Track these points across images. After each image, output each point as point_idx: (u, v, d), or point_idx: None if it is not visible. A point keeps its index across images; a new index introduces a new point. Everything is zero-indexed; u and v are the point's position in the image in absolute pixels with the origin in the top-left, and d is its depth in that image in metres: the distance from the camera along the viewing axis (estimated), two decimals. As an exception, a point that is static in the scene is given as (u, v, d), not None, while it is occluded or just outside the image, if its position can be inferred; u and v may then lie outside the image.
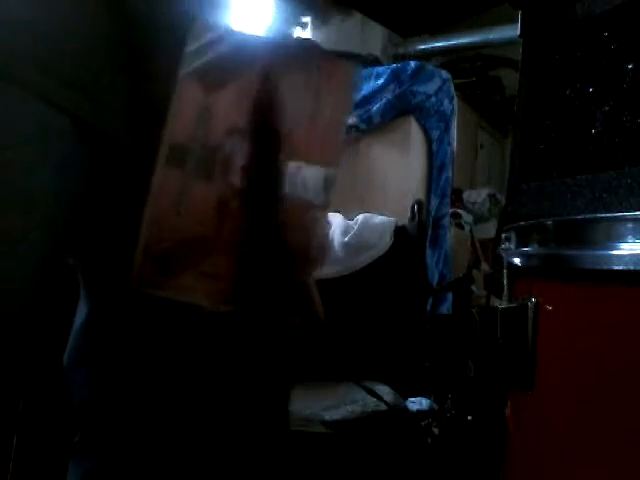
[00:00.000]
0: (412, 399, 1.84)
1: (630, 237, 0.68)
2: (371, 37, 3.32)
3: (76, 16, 0.62)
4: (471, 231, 3.24)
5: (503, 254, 0.85)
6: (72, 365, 0.79)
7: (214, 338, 0.77)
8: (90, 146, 0.65)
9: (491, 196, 3.79)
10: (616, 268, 0.68)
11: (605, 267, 0.70)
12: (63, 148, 0.63)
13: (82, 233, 0.71)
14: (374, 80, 2.39)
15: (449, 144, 2.60)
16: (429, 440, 1.69)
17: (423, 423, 1.72)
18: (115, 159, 0.69)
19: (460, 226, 3.15)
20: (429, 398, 1.86)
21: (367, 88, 2.39)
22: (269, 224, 0.60)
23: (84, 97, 0.63)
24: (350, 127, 2.33)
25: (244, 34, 0.61)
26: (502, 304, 0.82)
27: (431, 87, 2.40)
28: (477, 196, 3.81)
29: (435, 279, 2.41)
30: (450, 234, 2.68)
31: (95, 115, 0.64)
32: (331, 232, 2.10)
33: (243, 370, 0.81)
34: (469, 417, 1.69)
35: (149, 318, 0.75)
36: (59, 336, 0.74)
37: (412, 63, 2.42)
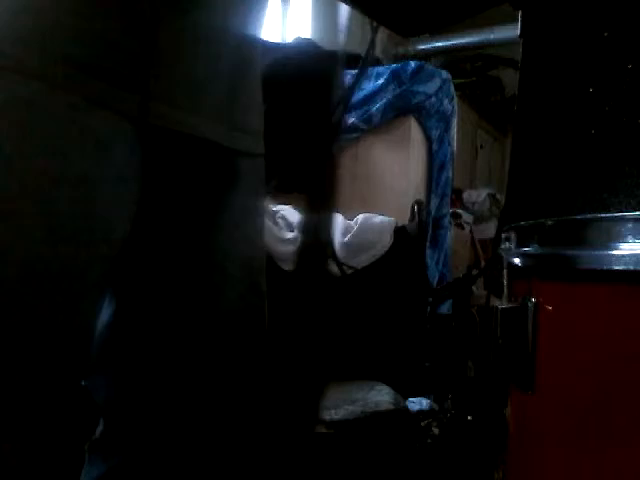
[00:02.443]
0: (412, 399, 1.84)
1: (630, 237, 0.68)
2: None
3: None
4: (471, 231, 3.25)
5: (503, 254, 0.85)
6: (95, 364, 0.79)
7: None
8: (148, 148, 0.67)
9: (491, 196, 3.80)
10: (616, 268, 0.68)
11: (605, 267, 0.70)
12: (125, 153, 0.65)
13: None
14: (374, 80, 2.39)
15: (449, 144, 2.60)
16: (429, 440, 1.69)
17: (423, 423, 1.72)
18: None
19: (460, 226, 3.15)
20: (429, 398, 1.86)
21: (367, 88, 2.39)
22: None
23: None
24: (350, 127, 2.33)
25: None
26: (502, 304, 0.82)
27: (431, 87, 2.40)
28: (477, 196, 3.81)
29: (435, 279, 2.41)
30: (450, 234, 2.68)
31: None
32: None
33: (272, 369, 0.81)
34: (469, 417, 1.69)
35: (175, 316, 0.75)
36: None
37: (412, 63, 2.42)
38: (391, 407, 1.60)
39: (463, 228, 3.18)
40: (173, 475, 0.76)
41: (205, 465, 0.76)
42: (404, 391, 1.79)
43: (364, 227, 2.08)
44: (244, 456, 0.79)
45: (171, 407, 0.75)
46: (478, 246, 3.20)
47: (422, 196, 2.43)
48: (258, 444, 0.80)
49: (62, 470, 0.68)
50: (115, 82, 0.62)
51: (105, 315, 0.77)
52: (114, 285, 0.77)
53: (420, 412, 1.76)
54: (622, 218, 0.69)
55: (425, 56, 4.05)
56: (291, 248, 2.06)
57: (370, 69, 2.43)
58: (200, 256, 0.75)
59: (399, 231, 2.10)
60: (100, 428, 0.80)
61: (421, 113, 2.42)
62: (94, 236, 0.63)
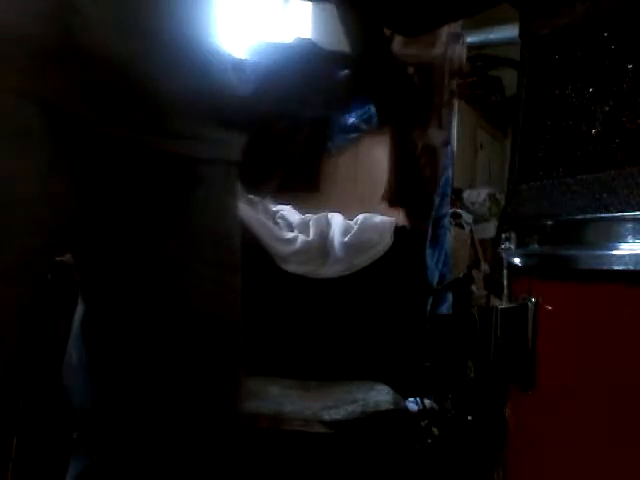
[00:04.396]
0: (412, 399, 1.84)
1: (630, 237, 0.68)
2: (371, 37, 3.31)
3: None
4: (471, 231, 3.24)
5: (503, 254, 0.85)
6: (70, 366, 0.79)
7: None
8: (74, 141, 0.65)
9: (491, 196, 3.79)
10: (616, 268, 0.68)
11: (605, 267, 0.70)
12: (44, 146, 0.63)
13: (78, 231, 0.71)
14: (374, 80, 2.39)
15: (449, 144, 2.60)
16: (429, 440, 1.69)
17: (423, 423, 1.72)
18: (111, 155, 0.69)
19: (460, 226, 3.14)
20: (429, 398, 1.86)
21: (367, 88, 2.39)
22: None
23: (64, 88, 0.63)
24: (350, 127, 2.33)
25: None
26: (502, 304, 0.82)
27: (431, 87, 2.40)
28: (477, 196, 3.81)
29: (435, 279, 2.40)
30: (450, 234, 2.67)
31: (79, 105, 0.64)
32: (331, 232, 2.10)
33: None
34: (469, 417, 1.69)
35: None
36: (58, 336, 0.74)
37: (412, 63, 2.42)
38: (391, 407, 1.61)
39: (463, 228, 3.17)
40: (152, 471, 0.76)
41: (184, 462, 0.76)
42: (404, 391, 1.79)
43: (364, 227, 2.08)
44: (221, 454, 0.79)
45: (147, 405, 0.76)
46: (478, 246, 3.19)
47: (422, 196, 2.43)
48: (232, 440, 0.80)
49: (50, 466, 0.68)
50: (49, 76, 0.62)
51: (78, 316, 0.78)
52: (83, 286, 0.78)
53: (420, 412, 1.76)
54: (622, 218, 0.69)
55: (425, 56, 4.04)
56: (291, 248, 2.06)
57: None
58: (165, 258, 0.75)
59: (399, 231, 2.10)
60: (80, 426, 0.81)
61: (421, 113, 2.41)
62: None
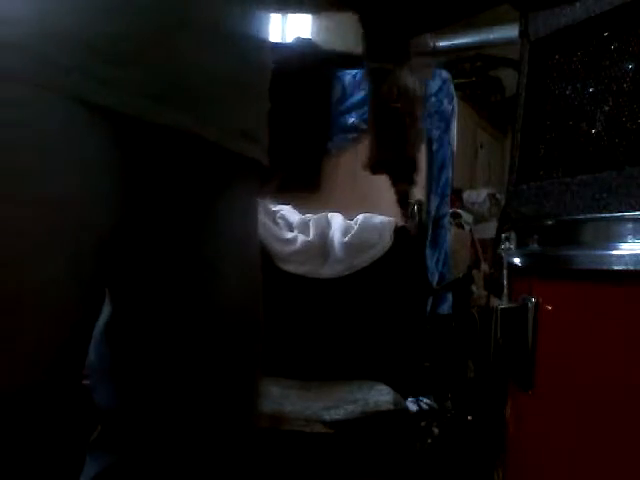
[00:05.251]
0: (412, 399, 1.84)
1: (630, 237, 0.68)
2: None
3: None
4: (471, 231, 3.24)
5: (503, 254, 0.85)
6: (93, 366, 0.79)
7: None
8: (126, 143, 0.65)
9: (491, 196, 3.80)
10: (616, 268, 0.68)
11: (605, 267, 0.70)
12: (91, 146, 0.62)
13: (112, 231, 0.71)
14: (374, 80, 2.39)
15: (449, 144, 2.60)
16: (429, 440, 1.69)
17: (423, 423, 1.72)
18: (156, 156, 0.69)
19: (460, 226, 3.14)
20: (429, 398, 1.86)
21: (367, 88, 2.39)
22: None
23: (125, 91, 0.62)
24: (350, 127, 2.33)
25: None
26: (502, 304, 0.82)
27: (431, 87, 2.40)
28: (477, 196, 3.81)
29: (435, 279, 2.41)
30: (450, 234, 2.67)
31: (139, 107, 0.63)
32: (331, 232, 2.10)
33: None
34: (469, 417, 1.70)
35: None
36: (82, 335, 0.73)
37: (412, 63, 2.42)
38: (391, 407, 1.60)
39: (463, 228, 3.17)
40: (170, 474, 0.76)
41: (203, 464, 0.76)
42: (404, 391, 1.79)
43: (364, 227, 2.08)
44: (241, 455, 0.79)
45: (169, 406, 0.76)
46: (478, 246, 3.19)
47: (422, 196, 2.43)
48: (252, 443, 0.80)
49: (64, 468, 0.68)
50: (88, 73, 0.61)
51: (104, 317, 0.78)
52: (110, 287, 0.77)
53: (420, 412, 1.76)
54: (622, 218, 0.69)
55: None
56: (291, 248, 2.06)
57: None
58: (191, 256, 0.75)
59: (399, 231, 2.10)
60: (100, 426, 0.80)
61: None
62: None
